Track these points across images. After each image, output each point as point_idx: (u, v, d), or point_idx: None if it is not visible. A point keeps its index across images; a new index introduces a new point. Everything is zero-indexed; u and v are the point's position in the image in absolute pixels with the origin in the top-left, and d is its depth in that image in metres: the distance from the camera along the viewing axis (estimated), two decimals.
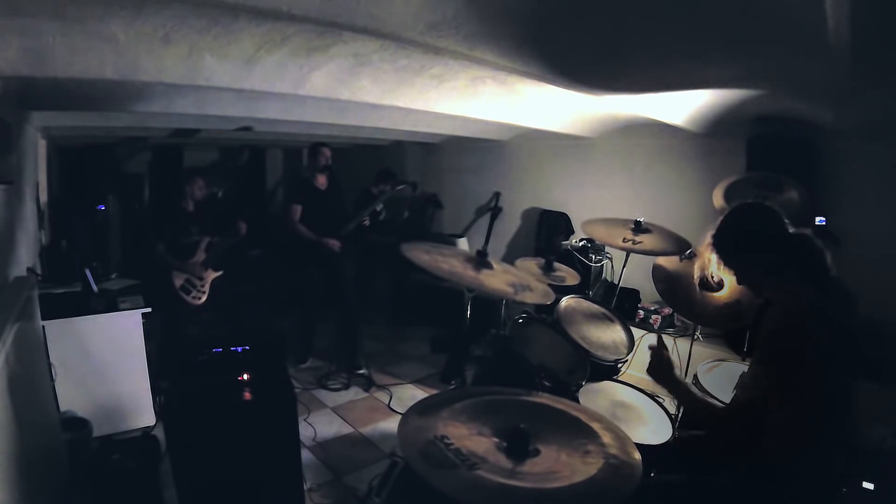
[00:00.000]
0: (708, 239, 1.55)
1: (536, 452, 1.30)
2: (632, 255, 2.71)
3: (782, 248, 1.45)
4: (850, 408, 1.40)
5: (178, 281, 3.50)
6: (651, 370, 1.64)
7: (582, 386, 2.24)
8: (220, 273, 3.65)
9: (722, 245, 1.53)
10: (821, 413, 1.33)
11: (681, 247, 2.56)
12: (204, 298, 3.57)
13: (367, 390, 3.76)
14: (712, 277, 1.56)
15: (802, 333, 1.33)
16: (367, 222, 4.04)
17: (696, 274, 1.58)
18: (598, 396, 2.27)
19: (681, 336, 3.45)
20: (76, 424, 2.57)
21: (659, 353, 1.63)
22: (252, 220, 3.80)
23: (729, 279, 2.40)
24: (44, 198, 3.72)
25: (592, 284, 3.99)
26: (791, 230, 1.46)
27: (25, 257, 2.72)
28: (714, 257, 1.54)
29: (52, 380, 2.53)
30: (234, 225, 3.65)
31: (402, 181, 4.53)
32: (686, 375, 2.67)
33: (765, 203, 1.56)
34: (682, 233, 2.70)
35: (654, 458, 1.95)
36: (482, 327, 3.86)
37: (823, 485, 1.35)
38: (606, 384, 2.38)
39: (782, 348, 1.36)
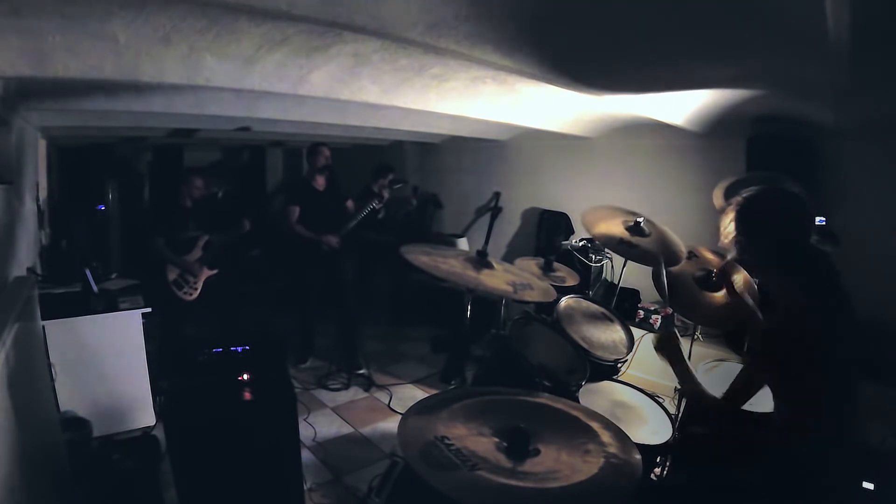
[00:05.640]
0: (734, 206, 1.49)
1: (536, 452, 1.30)
2: None
3: (800, 251, 1.41)
4: (853, 408, 1.40)
5: (172, 275, 3.51)
6: (659, 345, 1.76)
7: (582, 386, 2.24)
8: (214, 272, 3.66)
9: (744, 219, 1.46)
10: (823, 412, 1.33)
11: (675, 258, 2.51)
12: (195, 295, 3.58)
13: (367, 390, 3.76)
14: (725, 237, 1.52)
15: (801, 335, 1.33)
16: (377, 205, 4.02)
17: (722, 230, 1.54)
18: (598, 396, 2.27)
19: (681, 336, 3.44)
20: (76, 424, 2.57)
21: (670, 331, 1.74)
22: (254, 220, 3.82)
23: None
24: (44, 198, 3.72)
25: (592, 284, 3.99)
26: (813, 239, 1.43)
27: (25, 257, 2.72)
28: (732, 225, 1.48)
29: (52, 380, 2.53)
30: (239, 221, 3.66)
31: (400, 180, 4.53)
32: None
33: (799, 195, 1.50)
34: (682, 233, 2.70)
35: (655, 457, 1.95)
36: (482, 327, 3.86)
37: (826, 484, 1.35)
38: (606, 384, 2.38)
39: (780, 348, 1.35)
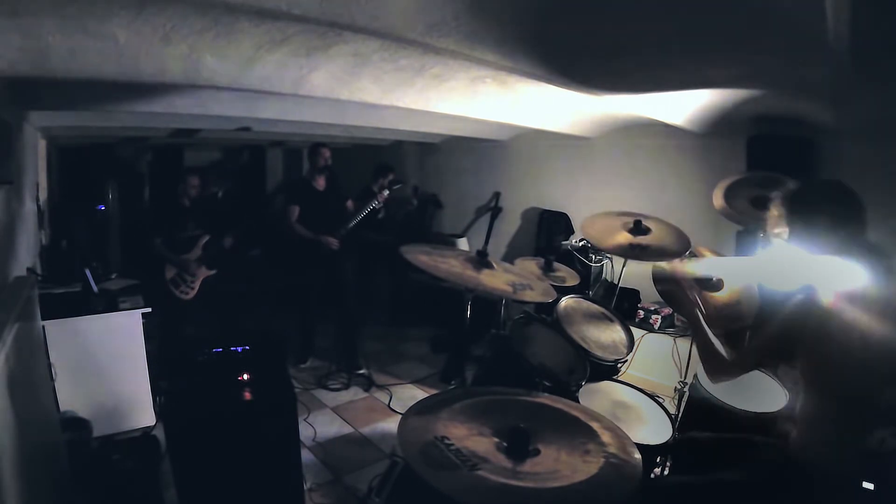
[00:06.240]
0: (781, 196, 1.50)
1: (536, 452, 1.30)
2: None
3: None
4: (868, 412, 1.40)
5: (170, 273, 3.52)
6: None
7: (582, 386, 2.24)
8: (213, 272, 3.67)
9: (796, 204, 1.48)
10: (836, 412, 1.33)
11: (682, 246, 2.52)
12: (192, 294, 3.58)
13: (367, 390, 3.76)
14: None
15: (816, 320, 1.35)
16: (377, 204, 4.02)
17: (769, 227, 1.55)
18: (598, 396, 2.27)
19: (681, 336, 3.45)
20: (76, 424, 2.57)
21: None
22: (250, 224, 3.84)
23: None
24: (44, 198, 3.72)
25: (592, 284, 3.99)
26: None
27: (25, 257, 2.72)
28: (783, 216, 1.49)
29: (52, 380, 2.53)
30: (225, 233, 3.70)
31: (400, 180, 4.53)
32: (686, 375, 2.67)
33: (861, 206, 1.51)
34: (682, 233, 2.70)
35: (655, 457, 1.95)
36: (482, 327, 3.86)
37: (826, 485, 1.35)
38: (606, 384, 2.38)
39: (792, 326, 1.40)
